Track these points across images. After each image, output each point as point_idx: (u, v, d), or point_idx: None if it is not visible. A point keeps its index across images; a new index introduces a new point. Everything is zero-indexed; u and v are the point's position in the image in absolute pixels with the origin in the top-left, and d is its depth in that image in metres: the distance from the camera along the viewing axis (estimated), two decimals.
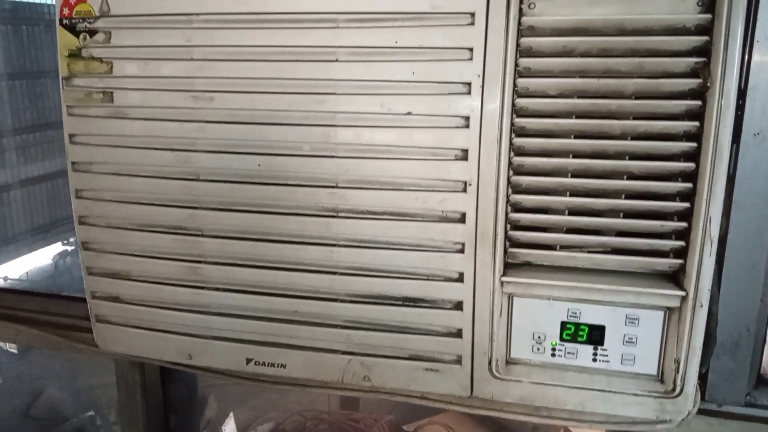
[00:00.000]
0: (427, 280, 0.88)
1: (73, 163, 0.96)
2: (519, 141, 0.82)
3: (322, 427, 2.24)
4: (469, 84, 0.80)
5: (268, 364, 0.97)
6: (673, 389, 0.83)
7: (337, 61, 0.84)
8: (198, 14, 0.86)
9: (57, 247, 7.21)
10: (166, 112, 0.91)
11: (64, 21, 0.92)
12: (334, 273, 0.91)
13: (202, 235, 0.94)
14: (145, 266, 0.98)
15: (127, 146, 0.93)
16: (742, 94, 0.78)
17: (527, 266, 0.87)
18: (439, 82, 0.82)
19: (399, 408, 2.96)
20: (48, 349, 1.17)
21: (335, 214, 0.89)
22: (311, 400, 2.65)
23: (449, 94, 0.82)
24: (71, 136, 0.95)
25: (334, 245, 0.90)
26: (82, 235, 0.99)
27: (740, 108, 0.78)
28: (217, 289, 0.95)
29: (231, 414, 2.99)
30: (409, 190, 0.86)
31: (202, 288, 0.96)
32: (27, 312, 1.19)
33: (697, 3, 0.75)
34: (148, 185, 0.94)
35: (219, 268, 0.94)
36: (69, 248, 7.05)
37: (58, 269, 6.86)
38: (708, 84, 0.75)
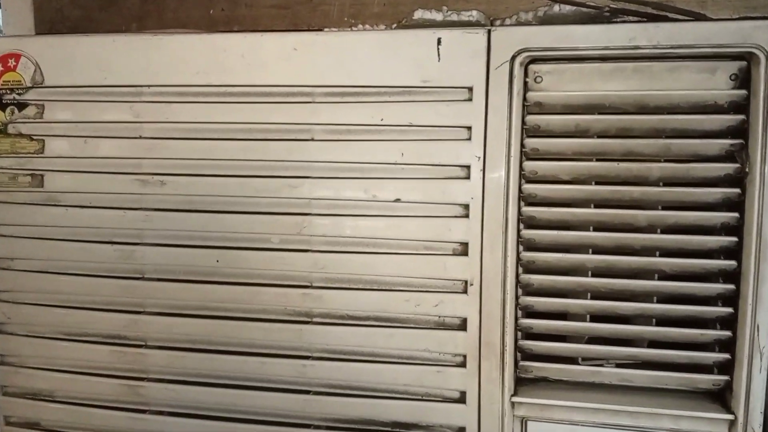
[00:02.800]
0: (422, 400, 0.75)
1: None
2: (528, 233, 0.71)
3: None
4: (468, 167, 0.71)
5: None
6: None
7: (312, 140, 0.74)
8: (149, 86, 0.75)
9: None
10: (106, 198, 0.78)
11: None
12: (308, 392, 0.77)
13: (146, 346, 0.79)
14: (73, 384, 0.82)
15: (58, 238, 0.80)
16: None
17: (543, 383, 0.74)
18: (433, 165, 0.72)
19: None
20: None
21: (309, 320, 0.76)
22: None
23: (445, 178, 0.71)
24: None
25: (307, 357, 0.76)
26: None
27: None
28: (162, 413, 0.80)
29: None
30: (399, 290, 0.74)
31: (143, 411, 0.80)
32: None
33: (730, 77, 0.66)
34: (81, 285, 0.80)
35: (165, 386, 0.79)
36: None
37: None
38: (746, 169, 0.66)
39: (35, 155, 0.77)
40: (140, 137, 0.75)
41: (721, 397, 0.69)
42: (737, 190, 0.66)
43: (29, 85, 0.77)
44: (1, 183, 0.78)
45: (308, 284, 0.74)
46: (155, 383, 0.79)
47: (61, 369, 0.81)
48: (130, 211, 0.77)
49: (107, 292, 0.78)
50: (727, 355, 0.68)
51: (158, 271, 0.77)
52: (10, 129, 0.77)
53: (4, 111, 0.77)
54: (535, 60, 0.69)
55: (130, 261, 0.77)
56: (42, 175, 0.78)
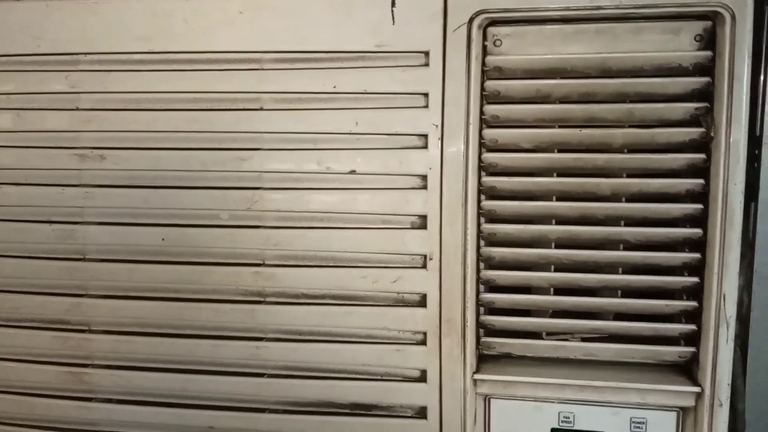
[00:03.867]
0: (381, 380, 0.73)
1: None
2: (489, 204, 0.68)
3: None
4: (425, 136, 0.68)
5: None
6: None
7: (261, 109, 0.70)
8: (86, 53, 0.71)
9: None
10: (42, 174, 0.74)
11: None
12: (261, 375, 0.74)
13: (90, 331, 0.76)
14: (13, 373, 0.78)
15: None
16: (756, 142, 0.66)
17: (506, 359, 0.72)
18: (389, 134, 0.69)
19: None
20: None
21: (262, 300, 0.73)
22: None
23: (401, 148, 0.69)
24: None
25: (261, 339, 0.73)
26: None
27: (756, 159, 0.66)
28: (110, 401, 0.77)
29: None
30: (356, 266, 0.71)
31: (90, 400, 0.77)
32: None
33: (695, 38, 0.64)
34: (19, 268, 0.76)
35: (112, 372, 0.76)
36: None
37: None
38: (712, 133, 0.64)
39: None
40: (77, 109, 0.71)
41: (687, 370, 0.68)
42: (702, 156, 0.64)
43: None
44: None
45: (260, 262, 0.71)
46: (101, 369, 0.75)
47: (3, 357, 0.77)
48: (69, 188, 0.72)
49: (47, 274, 0.74)
50: (693, 327, 0.66)
51: (101, 252, 0.73)
52: None
53: None
54: (494, 22, 0.66)
55: (70, 241, 0.73)
56: None
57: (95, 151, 0.71)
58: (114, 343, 0.74)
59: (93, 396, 0.76)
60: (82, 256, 0.74)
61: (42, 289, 0.75)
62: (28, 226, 0.74)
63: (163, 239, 0.72)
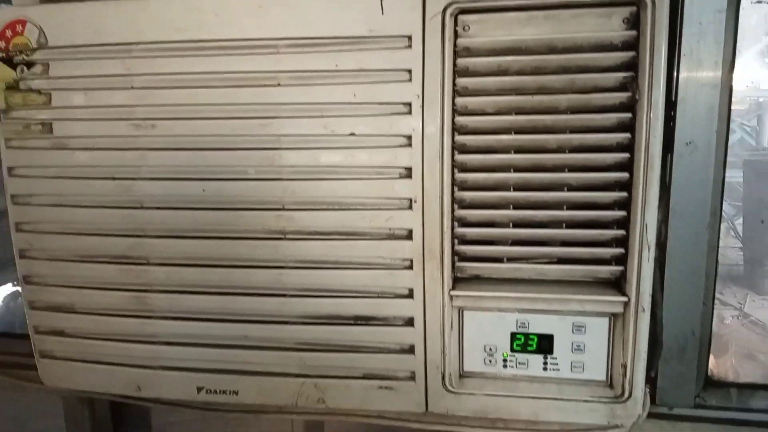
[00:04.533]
0: (378, 297, 0.88)
1: (12, 196, 0.94)
2: (461, 158, 0.83)
3: None
4: (410, 104, 0.82)
5: (220, 391, 0.95)
6: (622, 394, 0.85)
7: (279, 85, 0.85)
8: (137, 43, 0.86)
9: (8, 288, 6.93)
10: (106, 141, 0.89)
11: (1, 54, 0.90)
12: (284, 295, 0.90)
13: (148, 264, 0.92)
14: (89, 298, 0.95)
15: (68, 177, 0.91)
16: (672, 105, 0.81)
17: (476, 280, 0.88)
18: (380, 103, 0.83)
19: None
20: None
21: (283, 237, 0.88)
22: (274, 430, 2.59)
23: (391, 114, 0.83)
24: (10, 169, 0.93)
25: (282, 267, 0.89)
26: (23, 269, 0.97)
27: (672, 119, 0.82)
28: (165, 318, 0.94)
29: None
30: (356, 209, 0.86)
31: (150, 317, 0.94)
32: None
33: (623, 20, 0.78)
34: (90, 215, 0.92)
35: (166, 296, 0.93)
36: (20, 288, 6.76)
37: (9, 310, 6.58)
38: (636, 97, 0.78)
39: (44, 107, 0.89)
40: (132, 87, 0.87)
41: (617, 285, 0.84)
42: (629, 115, 0.79)
43: (35, 47, 0.88)
44: (17, 132, 0.90)
45: (281, 207, 0.87)
46: (158, 294, 0.92)
47: (77, 286, 0.95)
48: (127, 151, 0.88)
49: (112, 220, 0.91)
50: (621, 250, 0.82)
51: (154, 202, 0.89)
52: (22, 85, 0.89)
53: (15, 70, 0.89)
54: (463, 11, 0.80)
55: (129, 193, 0.90)
56: (51, 124, 0.89)
57: (147, 122, 0.87)
58: (167, 273, 0.91)
59: (152, 315, 0.93)
60: (139, 205, 0.90)
61: (108, 231, 0.91)
62: (96, 182, 0.90)
63: (203, 190, 0.88)
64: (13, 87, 0.89)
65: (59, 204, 0.93)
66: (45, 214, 0.94)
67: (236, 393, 0.95)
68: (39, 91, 0.89)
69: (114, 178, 0.90)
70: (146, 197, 0.90)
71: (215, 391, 0.95)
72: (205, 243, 0.90)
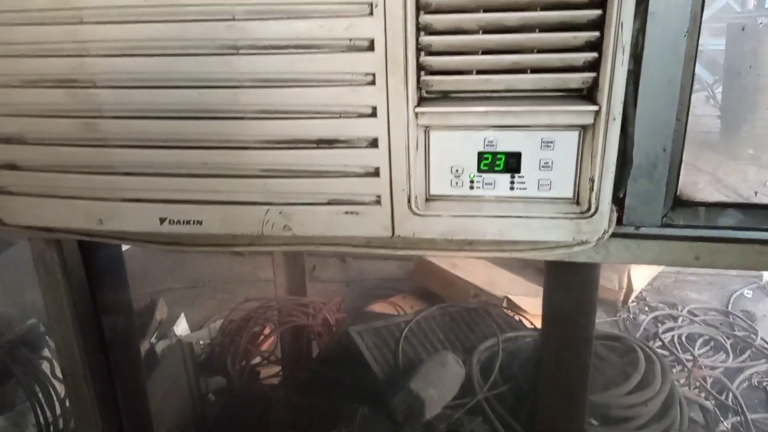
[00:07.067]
0: (340, 118, 0.84)
1: None
2: None
3: (270, 314, 2.26)
4: None
5: (183, 222, 0.93)
6: (588, 209, 0.84)
7: None
8: None
9: None
10: None
11: None
12: (242, 118, 0.86)
13: (95, 87, 0.87)
14: (38, 127, 0.91)
15: None
16: None
17: (443, 99, 0.84)
18: None
19: (348, 295, 3.02)
20: None
21: (236, 51, 0.82)
22: (261, 294, 2.67)
23: None
24: None
25: (238, 87, 0.84)
26: None
27: None
28: (119, 147, 0.90)
29: (182, 314, 2.99)
30: (313, 17, 0.80)
31: (103, 146, 0.90)
32: None
33: None
34: (27, 34, 0.85)
35: (117, 122, 0.88)
36: None
37: None
38: None
39: None
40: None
41: (589, 96, 0.80)
42: None
43: None
44: None
45: (231, 17, 0.80)
46: (109, 120, 0.87)
47: (24, 114, 0.89)
48: None
49: (51, 37, 0.84)
50: (594, 54, 0.78)
51: (95, 16, 0.82)
52: None
53: None
54: None
55: (68, 6, 0.82)
56: None
57: None
58: (116, 95, 0.86)
59: (105, 143, 0.89)
60: (79, 20, 0.83)
61: (50, 52, 0.85)
62: None
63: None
64: None
65: None
66: None
67: (200, 223, 0.93)
68: None
69: None
70: (85, 10, 0.83)
71: (178, 222, 0.93)
72: (153, 60, 0.84)
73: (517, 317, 2.13)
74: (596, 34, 0.76)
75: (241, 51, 0.82)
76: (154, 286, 3.31)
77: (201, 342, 2.64)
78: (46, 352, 2.18)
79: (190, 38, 0.82)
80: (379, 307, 2.55)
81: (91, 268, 1.17)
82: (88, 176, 0.92)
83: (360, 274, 3.44)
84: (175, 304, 3.16)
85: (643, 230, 0.93)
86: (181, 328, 2.90)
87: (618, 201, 0.89)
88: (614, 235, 0.91)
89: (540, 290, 2.60)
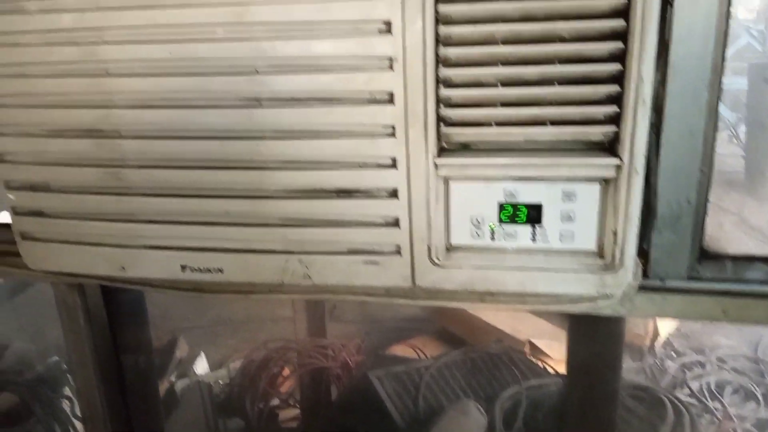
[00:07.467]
0: (360, 168, 0.85)
1: None
2: (444, 8, 0.77)
3: (289, 355, 2.24)
4: None
5: (204, 269, 0.93)
6: (612, 262, 0.82)
7: None
8: None
9: None
10: (64, 1, 0.83)
11: None
12: (263, 168, 0.87)
13: (120, 137, 0.88)
14: (63, 175, 0.92)
15: (28, 44, 0.86)
16: None
17: (462, 150, 0.84)
18: None
19: (367, 336, 2.98)
20: None
21: (258, 104, 0.84)
22: (280, 334, 2.65)
23: None
24: None
25: (260, 138, 0.85)
26: None
27: None
28: (142, 195, 0.91)
29: (202, 353, 2.98)
30: (333, 71, 0.81)
31: (126, 194, 0.91)
32: None
33: None
34: (54, 85, 0.87)
35: (141, 171, 0.89)
36: None
37: None
38: None
39: None
40: None
41: (610, 148, 0.79)
42: None
43: None
44: None
45: (254, 71, 0.82)
46: (132, 169, 0.89)
47: (50, 163, 0.91)
48: (88, 13, 0.82)
49: (78, 89, 0.86)
50: (615, 107, 0.77)
51: (120, 68, 0.84)
52: None
53: None
54: None
55: (94, 59, 0.84)
56: None
57: None
58: (140, 145, 0.87)
59: (128, 191, 0.90)
60: (105, 73, 0.84)
61: (76, 103, 0.87)
62: (57, 48, 0.84)
63: (170, 53, 0.82)
64: None
65: (22, 74, 0.88)
66: (8, 86, 0.89)
67: (221, 271, 0.93)
68: None
69: (76, 43, 0.84)
70: (111, 63, 0.85)
71: (199, 269, 0.94)
72: (177, 112, 0.86)
73: (540, 363, 2.08)
74: (616, 87, 0.76)
75: (263, 103, 0.83)
76: (174, 323, 3.32)
77: (220, 382, 2.62)
78: (67, 391, 2.18)
79: (213, 91, 0.84)
80: (399, 350, 2.52)
81: (113, 312, 1.18)
82: (111, 224, 0.93)
83: (379, 314, 3.41)
84: (195, 342, 3.16)
85: (669, 283, 0.91)
86: (201, 367, 2.89)
87: (642, 253, 0.88)
88: (639, 288, 0.89)
89: (563, 334, 2.55)
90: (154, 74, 0.84)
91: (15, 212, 0.97)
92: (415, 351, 2.45)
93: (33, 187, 0.94)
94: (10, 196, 0.97)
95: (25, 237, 0.98)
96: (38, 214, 0.96)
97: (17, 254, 1.03)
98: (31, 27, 0.85)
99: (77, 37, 0.84)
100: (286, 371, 2.28)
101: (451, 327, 3.01)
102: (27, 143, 0.92)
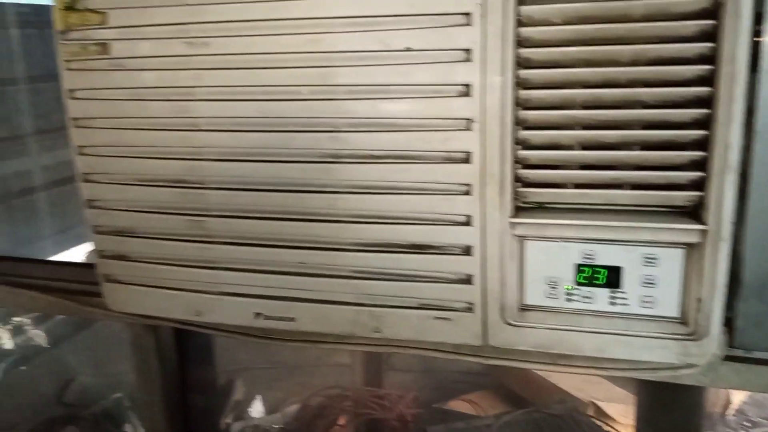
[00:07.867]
0: (434, 225, 0.85)
1: (73, 119, 0.95)
2: (524, 73, 0.78)
3: (345, 404, 2.23)
4: (469, 14, 0.77)
5: (277, 317, 0.95)
6: (697, 330, 0.79)
7: None
8: None
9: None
10: (160, 61, 0.89)
11: None
12: (339, 221, 0.88)
13: (205, 188, 0.92)
14: (149, 222, 0.96)
15: (124, 99, 0.92)
16: (758, 18, 0.72)
17: (539, 209, 0.83)
18: (438, 15, 0.78)
19: (424, 387, 2.93)
20: (61, 314, 1.18)
21: (337, 160, 0.86)
22: (336, 380, 2.64)
23: (449, 26, 0.78)
24: (70, 91, 0.94)
25: (337, 192, 0.87)
26: (86, 193, 0.99)
27: (758, 34, 0.73)
28: (223, 243, 0.94)
29: (258, 397, 3.00)
30: (411, 130, 0.82)
31: (208, 242, 0.94)
32: (40, 279, 1.20)
33: None
34: (146, 138, 0.92)
35: (223, 220, 0.93)
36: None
37: None
38: (720, 1, 0.70)
39: (100, 26, 0.89)
40: (185, 4, 0.85)
41: (694, 213, 0.77)
42: (713, 22, 0.71)
43: None
44: (75, 53, 0.91)
45: (334, 129, 0.85)
46: (215, 218, 0.92)
47: (137, 209, 0.96)
48: (181, 71, 0.87)
49: (168, 142, 0.91)
50: (700, 173, 0.75)
51: (209, 123, 0.89)
52: (78, 5, 0.89)
53: None
54: None
55: (185, 115, 0.89)
56: (106, 44, 0.90)
57: (200, 39, 0.86)
58: (224, 197, 0.91)
59: (210, 239, 0.93)
60: (195, 127, 0.89)
61: (165, 154, 0.91)
62: (153, 103, 0.90)
63: (257, 111, 0.87)
64: (70, 6, 0.90)
65: (118, 127, 0.93)
66: (104, 137, 0.95)
67: (293, 320, 0.95)
68: (95, 10, 0.89)
69: (170, 100, 0.90)
70: (201, 119, 0.90)
71: (272, 317, 0.95)
72: (260, 166, 0.89)
73: (606, 427, 1.99)
74: (701, 153, 0.74)
75: (341, 160, 0.86)
76: (231, 365, 3.36)
77: (275, 426, 2.62)
78: (128, 428, 2.23)
79: (295, 147, 0.87)
80: (456, 405, 2.46)
81: (184, 353, 1.21)
82: (191, 269, 0.97)
83: (437, 365, 3.35)
84: (251, 383, 3.18)
85: (755, 354, 0.87)
86: (257, 410, 2.89)
87: (727, 322, 0.84)
88: (724, 358, 0.85)
89: (627, 396, 2.43)
90: (241, 130, 0.88)
91: (101, 255, 1.01)
92: (474, 408, 2.38)
93: (120, 233, 0.99)
94: (94, 241, 1.02)
95: (108, 279, 1.03)
96: (122, 257, 1.00)
97: (97, 294, 1.07)
98: (128, 83, 0.91)
99: (170, 93, 0.89)
100: (342, 420, 2.26)
101: (509, 383, 2.92)
102: (117, 191, 0.97)
